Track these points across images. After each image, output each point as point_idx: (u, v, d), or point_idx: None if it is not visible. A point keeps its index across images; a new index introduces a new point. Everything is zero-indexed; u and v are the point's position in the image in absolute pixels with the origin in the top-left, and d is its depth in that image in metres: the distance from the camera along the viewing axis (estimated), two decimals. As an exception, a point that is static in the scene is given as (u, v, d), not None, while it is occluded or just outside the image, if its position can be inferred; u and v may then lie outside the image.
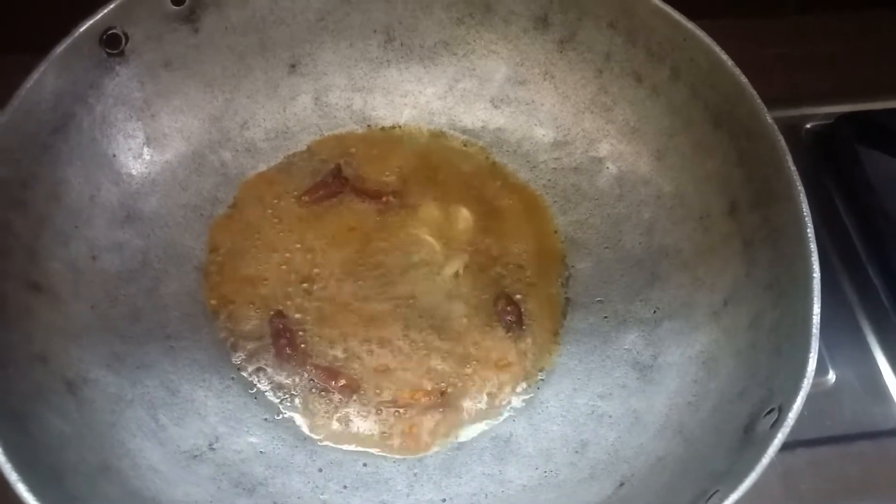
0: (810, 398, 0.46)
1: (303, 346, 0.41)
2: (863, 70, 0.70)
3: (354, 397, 0.40)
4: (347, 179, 0.47)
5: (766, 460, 0.29)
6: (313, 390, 0.40)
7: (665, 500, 0.31)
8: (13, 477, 0.27)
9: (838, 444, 0.45)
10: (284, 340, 0.41)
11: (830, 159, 0.57)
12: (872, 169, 0.54)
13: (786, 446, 0.44)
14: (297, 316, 0.43)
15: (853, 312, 0.50)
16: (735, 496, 0.28)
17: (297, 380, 0.41)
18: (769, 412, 0.32)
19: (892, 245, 0.51)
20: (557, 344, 0.43)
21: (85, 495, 0.30)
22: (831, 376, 0.47)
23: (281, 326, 0.41)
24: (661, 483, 0.34)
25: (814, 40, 0.74)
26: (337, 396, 0.40)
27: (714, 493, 0.30)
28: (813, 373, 0.31)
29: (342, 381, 0.40)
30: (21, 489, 0.27)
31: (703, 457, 0.33)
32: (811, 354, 0.31)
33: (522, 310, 0.43)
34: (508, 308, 0.43)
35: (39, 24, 0.39)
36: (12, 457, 0.28)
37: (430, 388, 0.41)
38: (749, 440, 0.32)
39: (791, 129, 0.57)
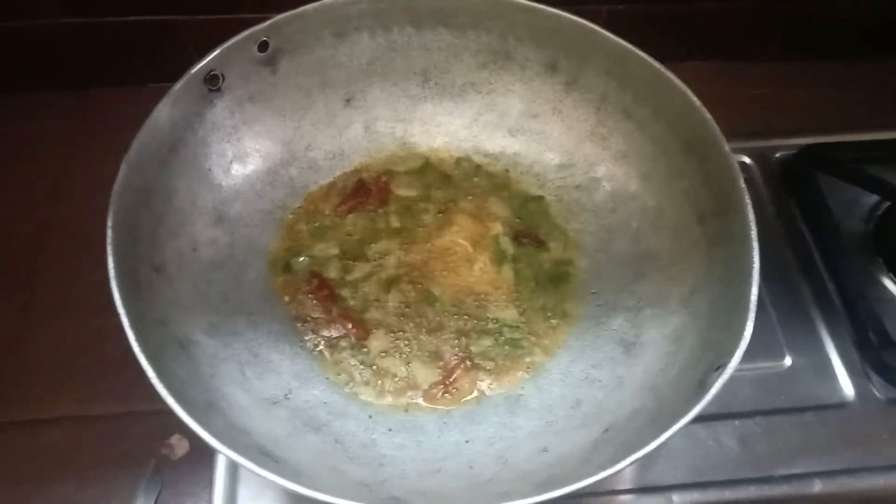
0: (768, 377, 0.54)
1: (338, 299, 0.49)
2: (828, 113, 0.74)
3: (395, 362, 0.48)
4: (370, 190, 0.54)
5: (709, 397, 0.36)
6: (362, 359, 0.48)
7: (638, 439, 0.37)
8: (171, 401, 0.35)
9: (788, 414, 0.51)
10: (325, 291, 0.49)
11: (794, 182, 0.63)
12: (828, 191, 0.60)
13: (745, 414, 0.52)
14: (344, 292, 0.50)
15: (808, 310, 0.56)
16: (683, 423, 0.36)
17: (348, 350, 0.48)
18: (717, 368, 0.38)
19: (842, 254, 0.57)
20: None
21: (203, 422, 0.36)
22: (787, 360, 0.53)
23: (318, 282, 0.49)
24: (636, 426, 0.41)
25: (791, 84, 0.78)
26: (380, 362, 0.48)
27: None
28: (749, 337, 0.38)
29: (356, 329, 0.48)
30: (177, 409, 0.35)
31: (668, 405, 0.40)
32: (748, 325, 0.38)
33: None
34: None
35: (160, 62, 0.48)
36: (169, 387, 0.36)
37: (458, 359, 0.48)
38: (702, 390, 0.37)
39: (762, 158, 0.64)
